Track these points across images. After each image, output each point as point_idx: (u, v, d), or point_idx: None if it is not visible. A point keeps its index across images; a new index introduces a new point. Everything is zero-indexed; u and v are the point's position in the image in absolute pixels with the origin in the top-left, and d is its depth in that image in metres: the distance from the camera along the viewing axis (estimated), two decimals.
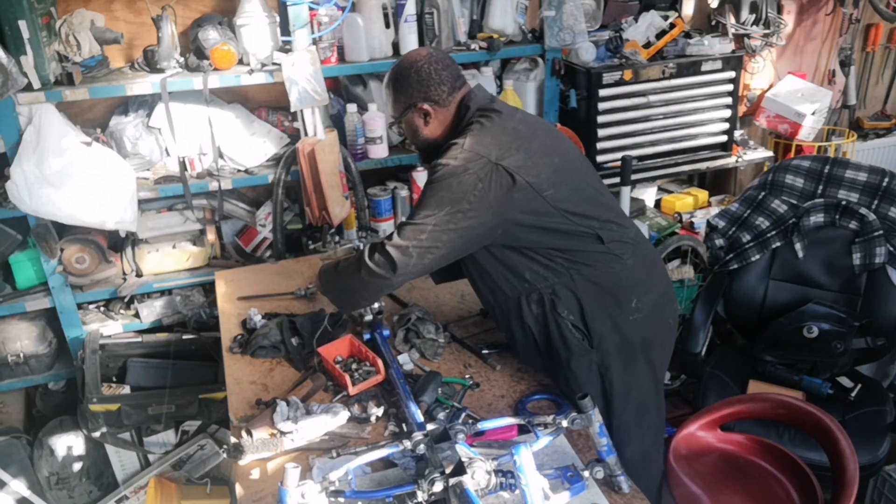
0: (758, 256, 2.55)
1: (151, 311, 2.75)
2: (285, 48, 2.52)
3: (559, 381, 1.75)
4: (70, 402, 2.77)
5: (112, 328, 2.72)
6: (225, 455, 2.68)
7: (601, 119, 3.01)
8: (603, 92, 2.96)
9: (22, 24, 2.20)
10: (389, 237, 1.66)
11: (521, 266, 1.66)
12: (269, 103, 2.85)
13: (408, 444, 1.41)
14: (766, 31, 3.42)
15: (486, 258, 1.69)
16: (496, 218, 1.60)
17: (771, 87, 3.63)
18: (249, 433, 1.56)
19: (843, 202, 2.45)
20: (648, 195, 3.44)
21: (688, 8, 3.41)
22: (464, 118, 1.70)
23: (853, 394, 2.33)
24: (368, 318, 1.96)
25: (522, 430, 1.54)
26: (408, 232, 1.62)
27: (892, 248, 2.38)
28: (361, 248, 1.89)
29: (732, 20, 3.39)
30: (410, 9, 2.63)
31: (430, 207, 1.59)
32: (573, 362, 1.68)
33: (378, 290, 1.77)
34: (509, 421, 1.52)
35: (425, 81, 1.70)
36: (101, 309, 2.77)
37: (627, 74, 2.97)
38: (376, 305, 1.97)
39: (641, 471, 1.75)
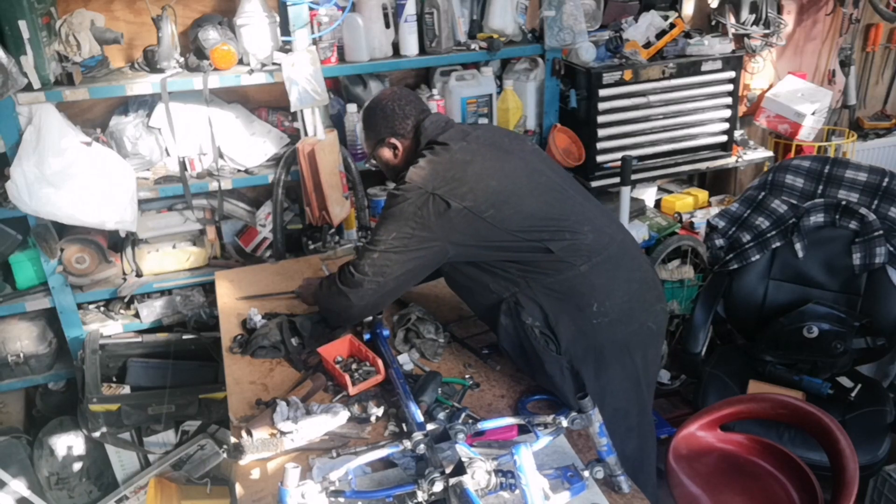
0: (758, 256, 2.55)
1: (151, 311, 2.75)
2: (285, 48, 2.52)
3: (543, 385, 1.76)
4: (70, 402, 2.77)
5: (112, 328, 2.72)
6: (225, 455, 2.68)
7: (601, 119, 3.01)
8: (603, 92, 2.96)
9: (22, 24, 2.20)
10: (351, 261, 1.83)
11: (484, 278, 1.75)
12: (269, 103, 2.85)
13: (408, 444, 1.41)
14: (766, 31, 3.42)
15: (454, 272, 1.82)
16: (441, 242, 1.71)
17: (771, 87, 3.63)
18: (249, 433, 1.56)
19: (843, 202, 2.45)
20: (648, 195, 3.44)
21: (688, 8, 3.41)
22: (416, 151, 1.85)
23: (853, 394, 2.33)
24: (368, 318, 1.96)
25: (522, 430, 1.54)
26: (363, 253, 1.78)
27: (892, 248, 2.38)
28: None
29: (732, 20, 3.40)
30: (410, 9, 2.63)
31: (379, 232, 1.75)
32: (547, 367, 1.70)
33: (345, 310, 1.85)
34: (509, 421, 1.52)
35: (390, 118, 1.88)
36: (101, 309, 2.77)
37: (627, 74, 2.97)
38: None
39: (633, 478, 1.74)
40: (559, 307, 1.69)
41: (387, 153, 1.92)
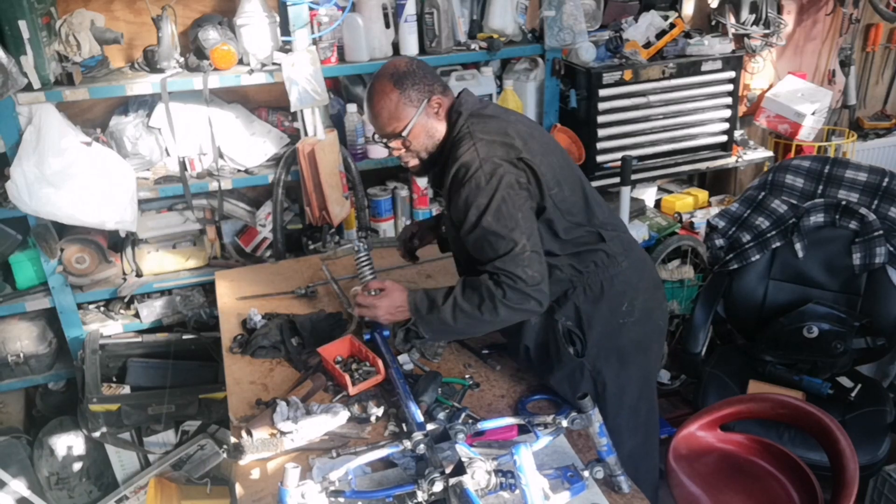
0: (758, 256, 2.55)
1: (151, 311, 2.75)
2: (285, 48, 2.52)
3: (555, 385, 1.75)
4: (70, 402, 2.77)
5: (112, 328, 2.72)
6: (225, 455, 2.68)
7: (601, 119, 3.01)
8: (603, 92, 2.96)
9: (22, 24, 2.20)
10: (495, 266, 1.57)
11: None
12: (269, 103, 2.85)
13: (408, 444, 1.41)
14: (766, 31, 3.42)
15: None
16: (539, 201, 1.61)
17: (771, 87, 3.63)
18: (249, 433, 1.56)
19: (843, 202, 2.45)
20: (648, 195, 3.44)
21: (688, 8, 3.41)
22: (456, 124, 1.66)
23: (853, 394, 2.33)
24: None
25: (522, 430, 1.54)
26: (508, 262, 1.55)
27: (892, 248, 2.38)
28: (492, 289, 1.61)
29: (732, 20, 3.39)
30: (410, 9, 2.63)
31: (500, 228, 1.55)
32: (566, 367, 1.70)
33: (536, 310, 1.63)
34: (509, 421, 1.52)
35: (430, 74, 1.67)
36: (101, 309, 2.77)
37: (627, 74, 2.97)
38: None
39: (635, 471, 1.75)
40: (593, 308, 1.71)
41: (430, 119, 1.66)
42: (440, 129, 1.68)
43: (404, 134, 1.65)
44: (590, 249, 1.69)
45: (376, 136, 1.75)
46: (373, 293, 1.78)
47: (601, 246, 1.70)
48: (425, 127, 1.66)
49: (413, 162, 1.73)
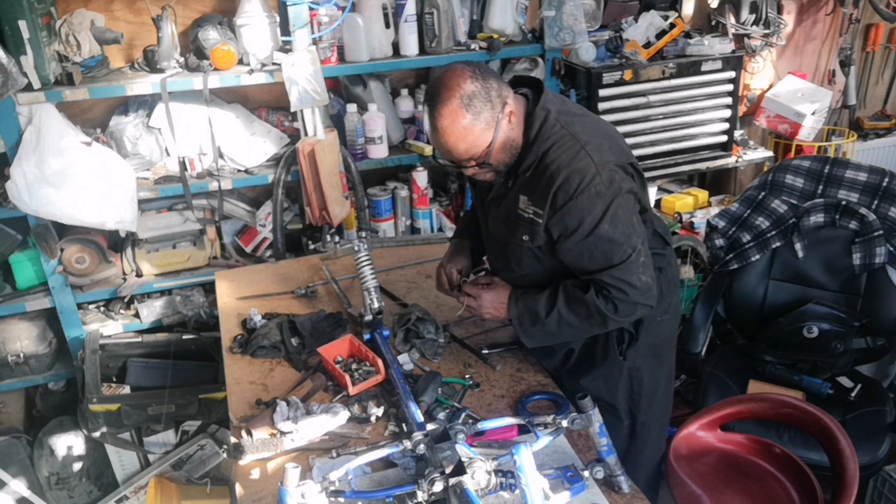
0: (758, 256, 2.55)
1: (151, 311, 2.75)
2: (285, 48, 2.52)
3: (587, 385, 1.76)
4: (70, 402, 2.77)
5: (112, 328, 2.72)
6: (225, 455, 2.68)
7: None
8: (603, 92, 2.96)
9: (22, 24, 2.20)
10: (610, 276, 1.53)
11: None
12: (269, 103, 2.85)
13: (408, 444, 1.41)
14: (766, 31, 3.42)
15: (555, 264, 1.62)
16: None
17: (771, 87, 3.63)
18: (249, 433, 1.56)
19: (843, 202, 2.45)
20: (648, 195, 3.44)
21: (688, 8, 3.41)
22: (546, 123, 1.53)
23: (853, 394, 2.33)
24: (368, 318, 1.96)
25: (522, 430, 1.54)
26: (625, 270, 1.51)
27: (892, 248, 2.37)
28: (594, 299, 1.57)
29: (732, 20, 3.39)
30: (410, 9, 2.63)
31: (615, 237, 1.49)
32: (605, 367, 1.73)
33: (646, 311, 1.63)
34: (509, 421, 1.52)
35: (495, 80, 1.49)
36: (101, 309, 2.77)
37: (627, 74, 2.97)
38: (377, 305, 1.96)
39: (655, 468, 1.84)
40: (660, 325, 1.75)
41: (507, 131, 1.52)
42: (518, 137, 1.55)
43: (485, 160, 1.52)
44: (658, 253, 1.70)
45: (442, 160, 1.59)
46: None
47: (666, 250, 1.74)
48: (505, 143, 1.53)
49: (489, 176, 1.60)
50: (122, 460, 2.74)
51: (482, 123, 1.47)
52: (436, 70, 2.89)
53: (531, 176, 1.55)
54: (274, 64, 2.52)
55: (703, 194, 3.47)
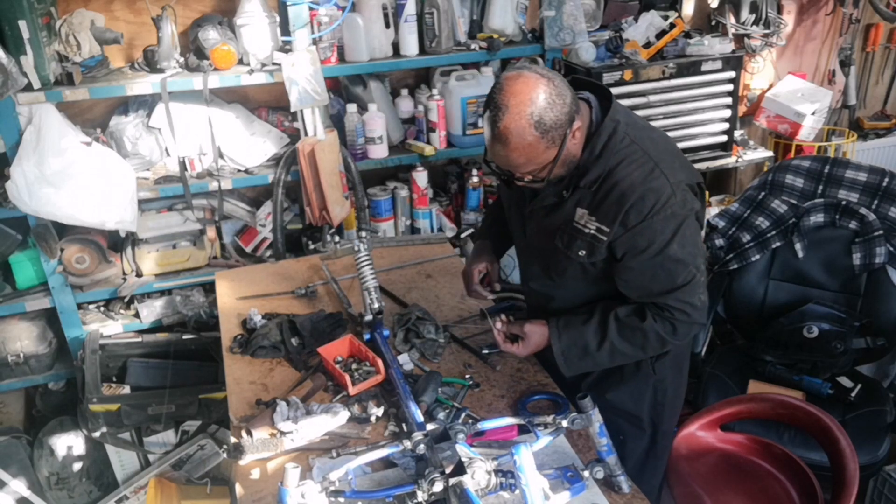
0: (758, 256, 2.55)
1: (151, 311, 2.75)
2: (285, 48, 2.52)
3: (612, 399, 1.73)
4: (70, 402, 2.77)
5: (112, 328, 2.72)
6: (225, 455, 2.68)
7: None
8: None
9: (22, 24, 2.20)
10: (675, 299, 1.50)
11: None
12: (269, 103, 2.85)
13: (408, 444, 1.41)
14: (766, 31, 3.42)
15: (604, 275, 1.59)
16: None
17: (771, 87, 3.63)
18: (249, 433, 1.56)
19: (843, 202, 2.45)
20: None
21: (688, 8, 3.41)
22: (614, 135, 1.48)
23: (853, 394, 2.33)
24: (368, 318, 1.96)
25: (522, 430, 1.54)
26: (687, 291, 1.49)
27: (892, 248, 2.38)
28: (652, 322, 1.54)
29: (732, 20, 3.39)
30: (410, 9, 2.63)
31: (681, 259, 1.47)
32: (633, 380, 1.72)
33: (695, 330, 1.62)
34: (509, 421, 1.52)
35: (566, 93, 1.42)
36: (101, 309, 2.77)
37: (627, 74, 2.97)
38: (377, 305, 1.96)
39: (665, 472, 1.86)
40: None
41: (570, 151, 1.47)
42: (579, 150, 1.50)
43: (543, 176, 1.47)
44: None
45: (495, 166, 1.54)
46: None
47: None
48: (566, 158, 1.47)
49: (538, 186, 1.54)
50: (122, 460, 2.74)
51: (548, 141, 1.40)
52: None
53: (596, 191, 1.50)
54: (274, 64, 2.52)
55: None
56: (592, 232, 1.51)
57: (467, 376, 1.80)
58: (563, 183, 1.54)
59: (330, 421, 1.59)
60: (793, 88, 3.50)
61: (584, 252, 1.54)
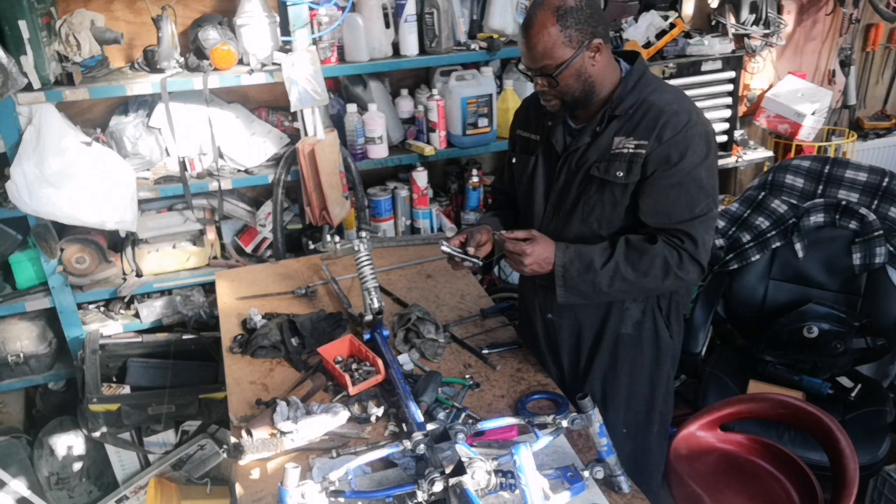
0: (758, 256, 2.55)
1: (151, 311, 2.75)
2: (285, 48, 2.52)
3: (627, 382, 1.83)
4: (70, 402, 2.77)
5: (112, 328, 2.72)
6: (225, 455, 2.68)
7: None
8: None
9: (22, 24, 2.20)
10: (689, 226, 1.56)
11: None
12: (269, 103, 2.85)
13: (408, 444, 1.41)
14: (766, 31, 3.42)
15: None
16: None
17: (771, 87, 3.63)
18: (249, 433, 1.56)
19: (843, 202, 2.45)
20: None
21: (688, 8, 3.41)
22: (644, 75, 1.63)
23: (853, 394, 2.33)
24: (368, 318, 1.96)
25: (522, 430, 1.54)
26: (700, 225, 1.56)
27: (892, 248, 2.38)
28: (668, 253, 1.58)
29: (732, 20, 3.39)
30: (410, 9, 2.63)
31: (703, 189, 1.55)
32: (662, 356, 1.80)
33: (698, 279, 1.65)
34: (509, 421, 1.52)
35: (597, 14, 1.55)
36: (101, 309, 2.78)
37: None
38: (377, 305, 1.97)
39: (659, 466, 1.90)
40: (684, 297, 1.80)
41: (586, 62, 1.56)
42: (593, 75, 1.58)
43: (554, 74, 1.55)
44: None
45: (521, 66, 1.65)
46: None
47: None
48: (578, 70, 1.56)
49: (554, 103, 1.63)
50: (122, 460, 2.74)
51: (565, 38, 1.52)
52: (433, 70, 2.88)
53: (632, 114, 1.60)
54: (274, 64, 2.52)
55: None
56: (631, 150, 1.59)
57: (467, 376, 1.80)
58: (597, 119, 1.63)
59: (330, 421, 1.59)
60: (793, 88, 3.50)
61: (621, 173, 1.60)
